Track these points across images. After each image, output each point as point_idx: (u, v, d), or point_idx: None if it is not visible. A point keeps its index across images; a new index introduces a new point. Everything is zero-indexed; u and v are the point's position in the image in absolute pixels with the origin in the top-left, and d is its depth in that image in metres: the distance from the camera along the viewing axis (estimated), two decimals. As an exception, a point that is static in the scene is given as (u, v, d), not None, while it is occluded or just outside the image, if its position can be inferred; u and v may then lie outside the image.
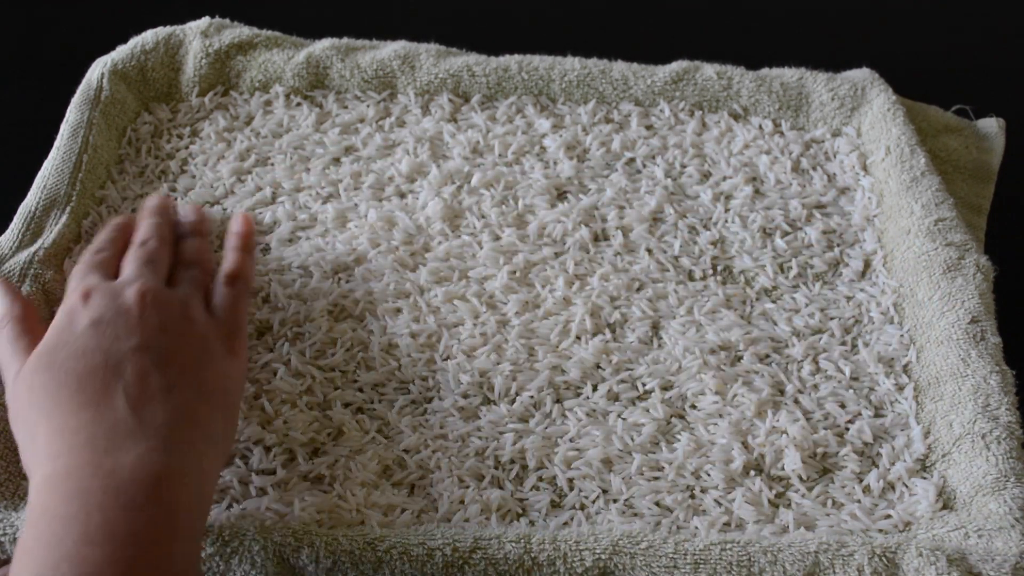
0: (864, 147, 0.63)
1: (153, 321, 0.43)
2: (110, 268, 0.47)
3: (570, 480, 0.47)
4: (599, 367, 0.51)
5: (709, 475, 0.47)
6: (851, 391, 0.51)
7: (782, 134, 0.64)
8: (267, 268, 0.55)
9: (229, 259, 0.50)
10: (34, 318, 0.46)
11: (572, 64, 0.65)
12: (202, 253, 0.50)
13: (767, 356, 0.53)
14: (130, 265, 0.47)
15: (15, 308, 0.46)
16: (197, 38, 0.65)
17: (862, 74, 0.65)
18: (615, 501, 0.46)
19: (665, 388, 0.51)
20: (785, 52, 0.67)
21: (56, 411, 0.40)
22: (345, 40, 0.66)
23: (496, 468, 0.48)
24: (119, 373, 0.40)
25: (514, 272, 0.56)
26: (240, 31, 0.66)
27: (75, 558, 0.35)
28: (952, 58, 0.78)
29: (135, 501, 0.36)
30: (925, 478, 0.47)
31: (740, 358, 0.52)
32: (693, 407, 0.50)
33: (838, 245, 0.58)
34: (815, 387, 0.51)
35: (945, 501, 0.46)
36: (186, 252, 0.50)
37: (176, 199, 0.59)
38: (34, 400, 0.41)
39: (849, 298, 0.55)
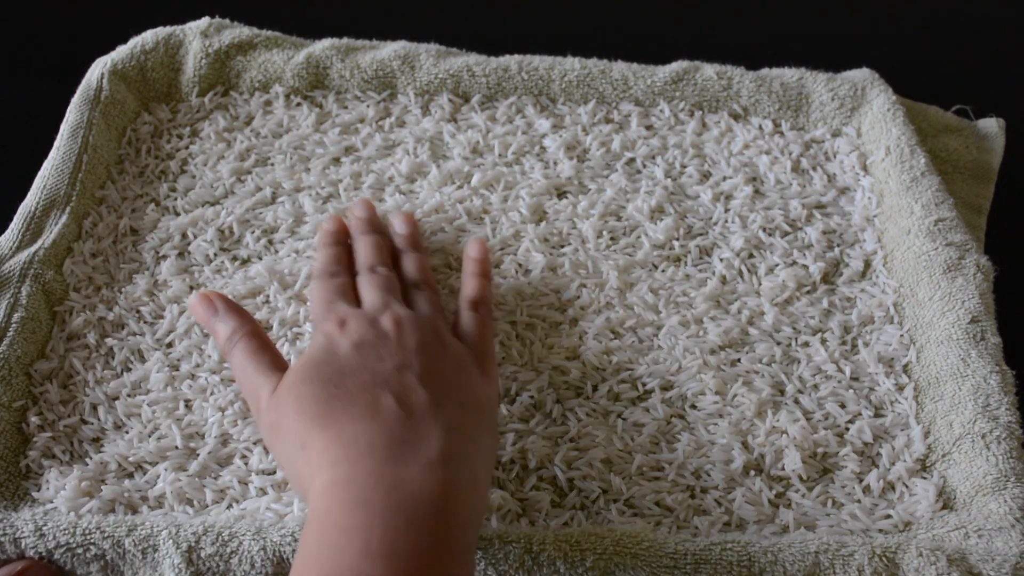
0: (864, 147, 0.63)
1: (411, 343, 0.44)
2: (350, 292, 0.49)
3: (571, 480, 0.47)
4: (599, 367, 0.51)
5: (709, 475, 0.47)
6: (851, 391, 0.51)
7: (782, 134, 0.64)
8: (267, 269, 0.55)
9: (470, 285, 0.50)
10: (265, 335, 0.47)
11: (572, 64, 0.65)
12: (423, 271, 0.51)
13: (767, 356, 0.53)
14: (371, 293, 0.48)
15: (249, 323, 0.46)
16: (197, 38, 0.65)
17: (862, 74, 0.65)
18: (616, 501, 0.46)
19: (665, 388, 0.51)
20: (785, 52, 0.67)
21: (329, 420, 0.40)
22: (345, 40, 0.66)
23: (496, 468, 0.48)
24: (387, 389, 0.41)
25: (514, 272, 0.56)
26: (240, 31, 0.66)
27: (356, 570, 0.35)
28: (952, 58, 0.78)
29: (416, 518, 0.37)
30: (925, 478, 0.47)
31: (740, 358, 0.52)
32: (693, 407, 0.50)
33: (838, 245, 0.58)
34: (815, 387, 0.51)
35: (945, 501, 0.46)
36: (408, 270, 0.51)
37: (177, 199, 0.59)
38: (303, 409, 0.41)
39: (849, 298, 0.55)
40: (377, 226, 0.54)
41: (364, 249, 0.52)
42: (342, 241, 0.53)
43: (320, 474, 0.39)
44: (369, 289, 0.48)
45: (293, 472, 0.41)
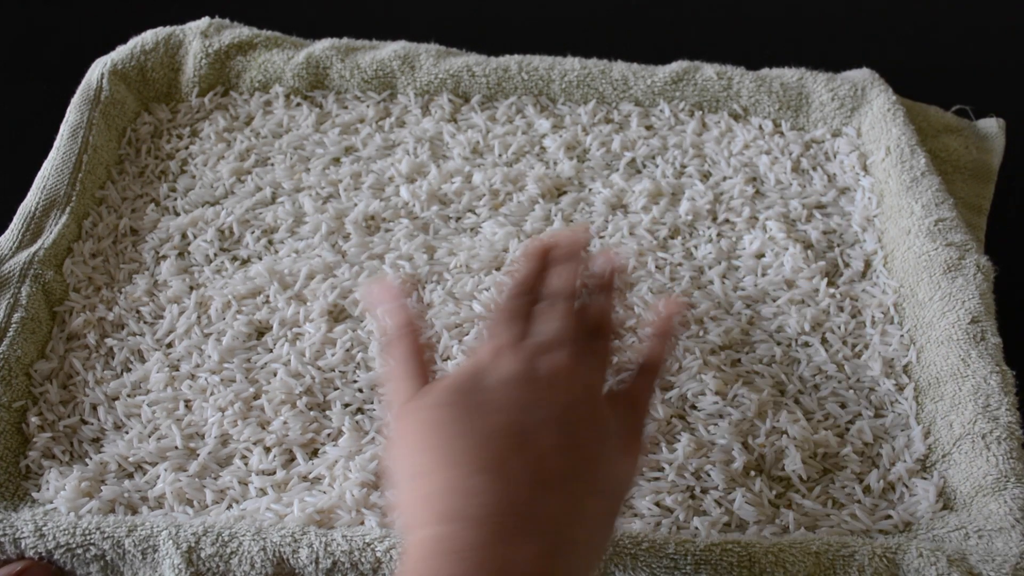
0: (864, 147, 0.63)
1: (560, 399, 0.40)
2: (526, 314, 0.44)
3: (570, 480, 0.47)
4: (599, 367, 0.51)
5: (710, 475, 0.47)
6: (851, 391, 0.51)
7: (782, 134, 0.64)
8: (267, 269, 0.55)
9: (651, 347, 0.45)
10: (421, 339, 0.44)
11: (572, 64, 0.65)
12: (606, 316, 0.46)
13: (768, 356, 0.53)
14: (545, 324, 0.43)
15: (415, 324, 0.44)
16: (197, 38, 0.65)
17: (862, 74, 0.65)
18: (615, 501, 0.46)
19: (665, 388, 0.51)
20: (785, 52, 0.67)
21: (450, 460, 0.38)
22: (345, 40, 0.66)
23: (496, 468, 0.48)
24: (523, 446, 0.38)
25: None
26: (240, 31, 0.66)
27: None
28: (952, 58, 0.78)
29: None
30: (925, 478, 0.47)
31: (740, 358, 0.52)
32: (694, 407, 0.50)
33: (838, 245, 0.58)
34: (815, 387, 0.51)
35: (945, 501, 0.46)
36: (590, 314, 0.46)
37: (177, 199, 0.59)
38: (428, 437, 0.39)
39: (849, 298, 0.55)
40: (576, 258, 0.48)
41: (555, 277, 0.46)
42: (544, 263, 0.47)
43: (425, 524, 0.37)
44: (545, 320, 0.44)
45: (398, 493, 0.40)
